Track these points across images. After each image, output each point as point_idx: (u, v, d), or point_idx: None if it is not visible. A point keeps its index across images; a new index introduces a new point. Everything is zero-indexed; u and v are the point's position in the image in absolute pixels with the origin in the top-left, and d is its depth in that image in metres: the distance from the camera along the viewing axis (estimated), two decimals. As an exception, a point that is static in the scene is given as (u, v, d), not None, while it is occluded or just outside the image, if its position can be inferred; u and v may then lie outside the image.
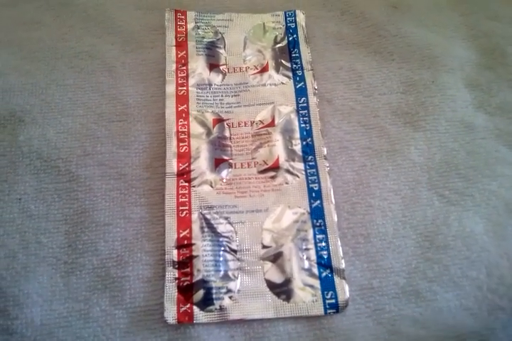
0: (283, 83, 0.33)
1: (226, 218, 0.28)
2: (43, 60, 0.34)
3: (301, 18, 0.35)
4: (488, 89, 0.34)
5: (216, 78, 0.33)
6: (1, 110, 0.32)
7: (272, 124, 0.31)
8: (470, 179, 0.30)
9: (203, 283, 0.26)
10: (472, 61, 0.35)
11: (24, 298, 0.26)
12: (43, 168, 0.30)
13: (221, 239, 0.28)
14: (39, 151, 0.30)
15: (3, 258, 0.27)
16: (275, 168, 0.30)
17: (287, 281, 0.27)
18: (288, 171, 0.30)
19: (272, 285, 0.27)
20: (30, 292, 0.27)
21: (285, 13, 0.35)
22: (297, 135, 0.31)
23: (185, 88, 0.32)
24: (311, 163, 0.30)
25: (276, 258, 0.27)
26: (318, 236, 0.28)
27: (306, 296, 0.26)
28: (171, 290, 0.26)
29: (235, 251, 0.28)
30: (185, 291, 0.26)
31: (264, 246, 0.28)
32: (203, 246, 0.27)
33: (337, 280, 0.27)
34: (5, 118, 0.31)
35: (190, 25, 0.35)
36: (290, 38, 0.34)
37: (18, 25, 0.35)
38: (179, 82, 0.32)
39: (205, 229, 0.28)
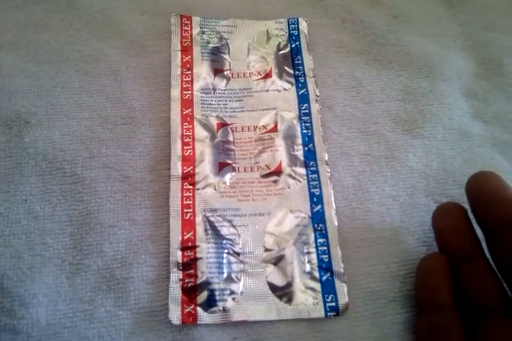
0: (286, 89, 0.33)
1: (229, 221, 0.29)
2: (49, 62, 0.34)
3: (303, 25, 0.36)
4: (484, 98, 0.35)
5: (220, 83, 0.33)
6: (7, 111, 0.32)
7: (274, 129, 0.32)
8: (466, 186, 0.31)
9: (207, 284, 0.27)
10: (469, 71, 0.36)
11: (30, 298, 0.27)
12: (49, 170, 0.30)
13: (224, 242, 0.28)
14: (44, 153, 0.31)
15: (9, 259, 0.28)
16: (278, 172, 0.30)
17: (289, 284, 0.27)
18: (290, 176, 0.30)
19: (274, 288, 0.27)
20: (35, 292, 0.27)
21: (288, 20, 0.36)
22: (299, 141, 0.31)
23: (189, 92, 0.33)
24: (312, 169, 0.31)
25: (278, 261, 0.28)
26: (319, 240, 0.29)
27: (308, 299, 0.27)
28: (176, 292, 0.27)
29: (238, 254, 0.28)
30: (190, 292, 0.27)
31: (266, 249, 0.28)
32: (206, 248, 0.28)
33: (337, 283, 0.28)
34: (11, 119, 0.32)
35: (196, 31, 0.35)
36: (293, 45, 0.35)
37: (25, 27, 0.35)
38: (184, 86, 0.33)
39: (209, 232, 0.28)
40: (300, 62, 0.34)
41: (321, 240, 0.29)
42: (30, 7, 0.36)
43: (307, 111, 0.32)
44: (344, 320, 0.27)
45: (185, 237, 0.28)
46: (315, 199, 0.30)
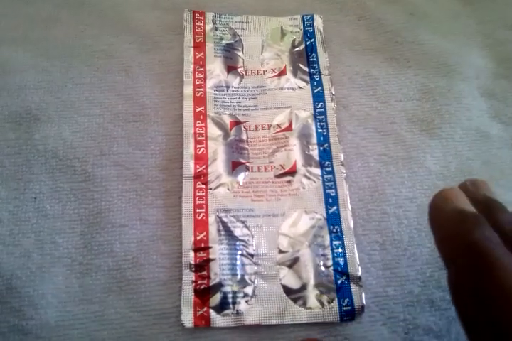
0: (300, 87, 0.33)
1: (243, 222, 0.28)
2: (60, 57, 0.33)
3: (318, 22, 0.35)
4: (503, 98, 0.34)
5: (234, 80, 0.33)
6: (16, 108, 0.31)
7: (289, 128, 0.31)
8: (485, 188, 0.30)
9: (220, 286, 0.26)
10: (488, 70, 0.35)
11: (39, 299, 0.26)
12: (59, 167, 0.30)
13: (238, 243, 0.28)
14: (54, 150, 0.30)
15: (18, 258, 0.27)
16: (292, 172, 0.30)
17: (304, 287, 0.27)
18: (305, 176, 0.30)
19: (288, 291, 0.27)
20: (45, 292, 0.26)
21: (303, 17, 0.35)
22: (314, 140, 0.31)
23: (202, 89, 0.32)
24: (327, 169, 0.30)
25: (292, 263, 0.27)
26: (334, 243, 0.28)
27: (323, 302, 0.26)
28: (188, 294, 0.26)
29: (252, 256, 0.28)
30: (202, 295, 0.26)
31: (280, 251, 0.28)
32: (220, 250, 0.27)
33: (353, 287, 0.27)
34: (20, 115, 0.31)
35: (209, 27, 0.34)
36: (308, 42, 0.34)
37: (35, 23, 0.35)
38: (197, 83, 0.32)
39: (222, 233, 0.28)
40: (315, 59, 0.34)
41: (336, 242, 0.28)
42: (39, 2, 0.36)
43: (322, 109, 0.32)
44: (359, 325, 0.27)
45: (198, 238, 0.28)
46: (330, 201, 0.29)
